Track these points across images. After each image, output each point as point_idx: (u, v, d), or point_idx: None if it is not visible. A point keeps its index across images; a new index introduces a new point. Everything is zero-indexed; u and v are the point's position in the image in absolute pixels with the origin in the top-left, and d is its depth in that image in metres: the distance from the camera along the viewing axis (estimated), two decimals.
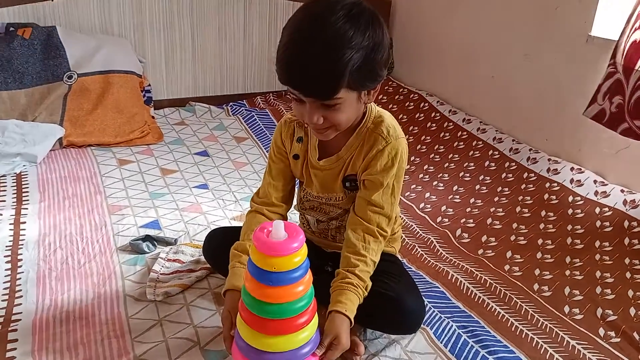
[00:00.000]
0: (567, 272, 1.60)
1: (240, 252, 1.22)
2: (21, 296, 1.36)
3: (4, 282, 1.40)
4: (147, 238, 1.58)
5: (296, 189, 1.38)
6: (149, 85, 2.62)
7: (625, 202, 1.79)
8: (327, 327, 1.10)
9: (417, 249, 1.71)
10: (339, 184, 1.26)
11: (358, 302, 1.14)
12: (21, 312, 1.30)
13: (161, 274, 1.45)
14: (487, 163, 2.20)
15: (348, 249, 1.20)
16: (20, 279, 1.42)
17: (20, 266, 1.47)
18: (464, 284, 1.53)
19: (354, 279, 1.15)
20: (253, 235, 0.98)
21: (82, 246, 1.57)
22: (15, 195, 1.83)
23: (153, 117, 2.57)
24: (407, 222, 1.88)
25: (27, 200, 1.81)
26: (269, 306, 0.98)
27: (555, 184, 1.97)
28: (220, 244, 1.35)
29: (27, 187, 1.89)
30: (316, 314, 1.06)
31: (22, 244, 1.56)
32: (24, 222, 1.67)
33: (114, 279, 1.44)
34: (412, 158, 2.33)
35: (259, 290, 0.98)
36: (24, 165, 2.02)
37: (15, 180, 1.93)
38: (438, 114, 2.57)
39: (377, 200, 1.19)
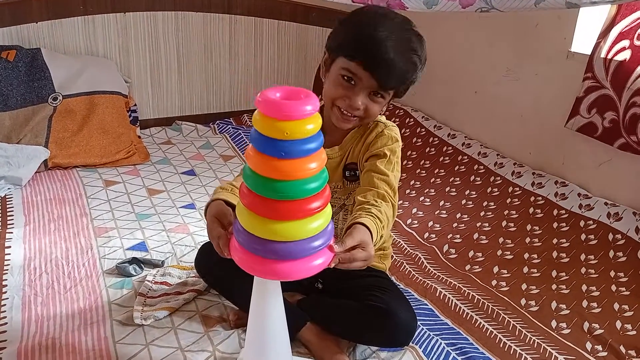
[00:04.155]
0: (554, 286, 1.61)
1: (224, 186, 1.17)
2: (6, 323, 1.34)
3: None
4: (133, 260, 1.57)
5: None
6: (135, 105, 2.62)
7: (609, 215, 1.81)
8: (351, 233, 0.99)
9: (405, 266, 1.72)
10: (339, 173, 1.31)
11: (376, 236, 1.04)
12: (6, 340, 1.28)
13: (148, 297, 1.44)
14: (472, 178, 2.22)
15: (362, 202, 1.14)
16: (5, 305, 1.40)
17: (5, 292, 1.45)
18: (452, 300, 1.54)
19: (371, 214, 1.08)
20: (259, 98, 0.84)
21: (67, 270, 1.56)
22: None
23: (139, 137, 2.57)
24: (394, 238, 1.89)
25: (12, 223, 1.79)
26: (278, 183, 0.84)
27: (540, 198, 1.99)
28: (213, 256, 1.34)
29: (12, 211, 1.87)
30: (330, 205, 0.93)
31: (7, 269, 1.54)
32: (9, 247, 1.65)
33: (100, 303, 1.43)
34: None
35: (267, 165, 0.84)
36: (8, 188, 2.00)
37: None
38: (423, 130, 2.60)
39: (382, 168, 1.22)
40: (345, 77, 1.17)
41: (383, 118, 1.32)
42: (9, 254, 1.62)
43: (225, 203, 1.07)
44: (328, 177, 0.91)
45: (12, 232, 1.73)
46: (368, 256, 0.98)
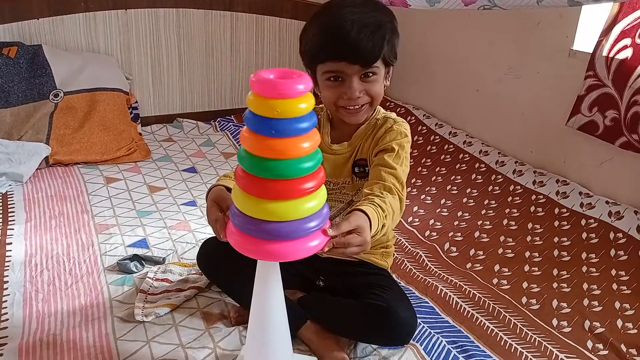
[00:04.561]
0: (555, 285, 1.61)
1: (227, 174, 1.19)
2: (7, 319, 1.34)
3: None
4: (134, 257, 1.57)
5: None
6: (136, 102, 2.62)
7: (610, 214, 1.81)
8: (348, 218, 0.98)
9: (406, 264, 1.72)
10: (349, 169, 1.31)
11: (376, 224, 1.02)
12: (7, 336, 1.28)
13: (149, 294, 1.44)
14: (473, 176, 2.22)
15: (367, 194, 1.13)
16: (6, 301, 1.40)
17: (6, 288, 1.45)
18: (453, 298, 1.54)
19: (374, 203, 1.07)
20: (252, 77, 0.85)
21: (69, 267, 1.56)
22: (0, 216, 1.81)
23: (140, 134, 2.57)
24: (396, 236, 1.88)
25: (13, 220, 1.79)
26: (271, 162, 0.84)
27: (542, 196, 1.99)
28: (215, 251, 1.36)
29: (13, 207, 1.87)
30: (324, 187, 0.92)
31: (8, 266, 1.55)
32: (10, 243, 1.65)
33: (101, 299, 1.43)
34: None
35: (260, 144, 0.84)
36: (9, 185, 2.00)
37: (0, 200, 1.91)
38: (425, 128, 2.59)
39: (390, 162, 1.22)
40: (331, 78, 1.20)
41: (393, 115, 1.33)
42: (10, 250, 1.62)
43: (226, 189, 1.08)
44: (322, 159, 0.91)
45: (13, 229, 1.73)
46: (363, 241, 0.96)
